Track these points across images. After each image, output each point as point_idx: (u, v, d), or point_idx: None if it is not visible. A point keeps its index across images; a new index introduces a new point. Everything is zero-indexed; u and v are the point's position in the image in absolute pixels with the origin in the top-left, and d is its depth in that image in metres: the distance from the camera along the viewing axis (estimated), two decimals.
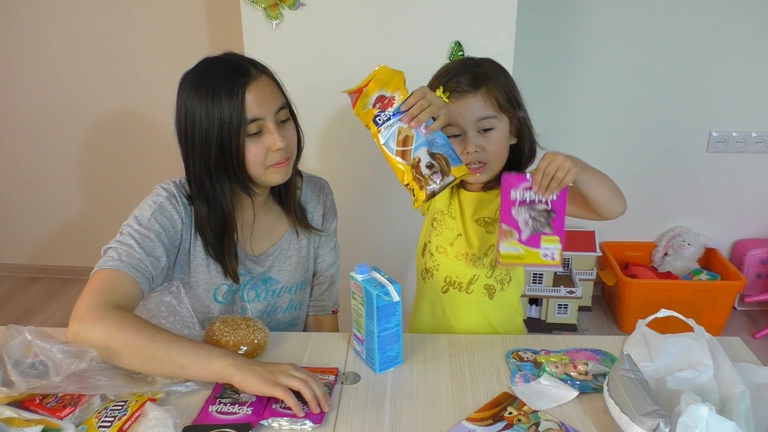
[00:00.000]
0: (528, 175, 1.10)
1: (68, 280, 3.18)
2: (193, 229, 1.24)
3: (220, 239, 1.24)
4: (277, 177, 1.23)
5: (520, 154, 1.32)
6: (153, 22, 2.70)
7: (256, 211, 1.32)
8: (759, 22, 2.47)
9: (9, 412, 0.93)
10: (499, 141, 1.25)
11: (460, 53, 1.96)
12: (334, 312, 1.51)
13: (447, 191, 1.32)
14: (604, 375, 1.10)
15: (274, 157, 1.19)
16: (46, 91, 2.88)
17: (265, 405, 1.01)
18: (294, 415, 0.97)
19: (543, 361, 1.15)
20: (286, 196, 1.34)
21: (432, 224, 1.38)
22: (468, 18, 1.92)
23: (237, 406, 1.00)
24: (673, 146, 2.70)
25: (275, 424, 0.97)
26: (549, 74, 2.59)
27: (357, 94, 1.09)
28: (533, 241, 1.07)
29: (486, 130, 1.23)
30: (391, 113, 1.07)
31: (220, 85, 1.13)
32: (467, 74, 1.22)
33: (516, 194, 1.11)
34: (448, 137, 1.20)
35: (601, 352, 1.18)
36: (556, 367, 1.13)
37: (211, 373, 1.01)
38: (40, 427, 0.88)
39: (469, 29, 1.93)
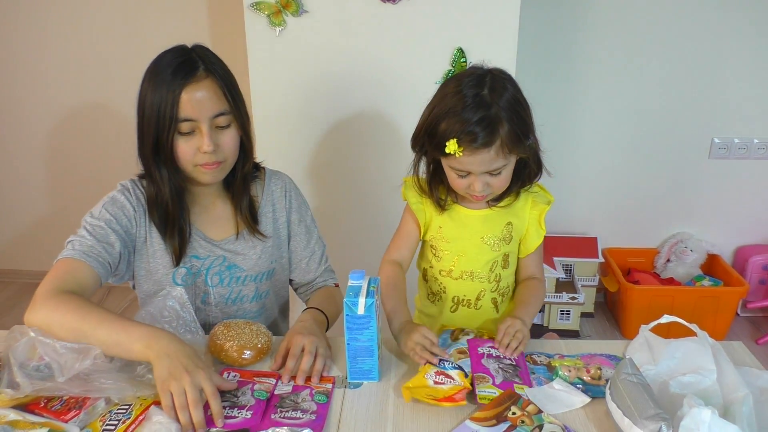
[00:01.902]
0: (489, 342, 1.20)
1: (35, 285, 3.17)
2: (147, 217, 1.28)
3: (164, 220, 1.27)
4: (205, 177, 1.24)
5: (524, 168, 1.28)
6: (156, 28, 2.69)
7: (213, 198, 1.35)
8: (761, 29, 2.48)
9: (14, 415, 0.93)
10: (506, 178, 1.23)
11: (463, 60, 1.97)
12: (336, 286, 1.51)
13: (435, 215, 1.33)
14: None
15: (203, 158, 1.21)
16: (20, 90, 2.87)
17: (264, 409, 1.01)
18: (295, 425, 0.97)
19: (557, 365, 1.15)
20: (233, 198, 1.36)
21: (431, 251, 1.37)
22: (470, 24, 1.93)
23: (236, 409, 1.01)
24: (676, 152, 2.70)
25: None
26: (551, 80, 2.60)
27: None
28: (506, 386, 1.09)
29: (494, 174, 1.20)
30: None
31: (164, 77, 1.16)
32: (481, 125, 1.12)
33: (483, 350, 1.18)
34: (454, 170, 1.21)
35: (616, 357, 1.18)
36: (569, 371, 1.13)
37: (132, 355, 1.02)
38: (45, 430, 0.89)
39: (471, 35, 1.94)
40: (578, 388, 1.08)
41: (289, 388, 1.08)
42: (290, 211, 1.43)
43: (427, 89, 2.00)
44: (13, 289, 3.18)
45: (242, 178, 1.34)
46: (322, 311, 1.32)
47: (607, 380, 1.09)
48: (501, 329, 1.18)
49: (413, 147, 1.28)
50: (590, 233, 2.85)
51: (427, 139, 1.20)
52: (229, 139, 1.24)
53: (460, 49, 1.95)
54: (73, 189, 3.05)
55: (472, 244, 1.32)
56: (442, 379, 1.05)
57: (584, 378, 1.12)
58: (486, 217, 1.32)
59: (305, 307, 1.37)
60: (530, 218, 1.33)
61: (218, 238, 1.36)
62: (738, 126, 2.64)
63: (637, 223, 2.86)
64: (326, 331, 1.31)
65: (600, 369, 1.13)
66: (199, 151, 1.20)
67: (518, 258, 1.37)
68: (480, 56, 1.93)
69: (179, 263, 1.30)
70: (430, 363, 1.10)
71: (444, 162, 1.23)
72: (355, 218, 2.21)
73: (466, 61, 1.96)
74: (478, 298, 1.36)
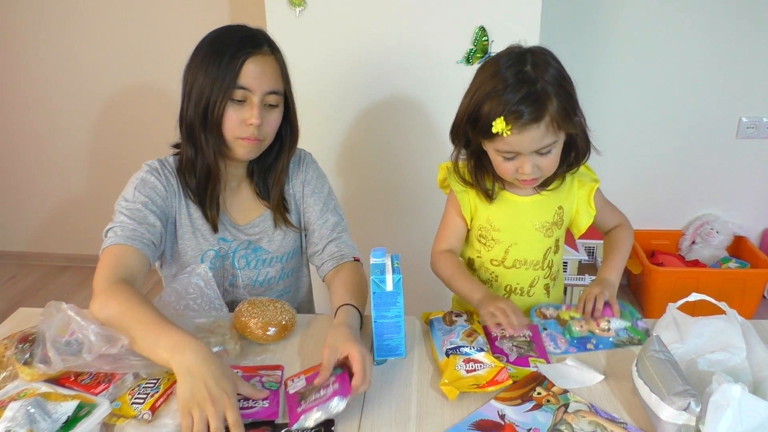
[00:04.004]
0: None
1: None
2: (178, 197, 1.28)
3: (204, 186, 1.27)
4: (241, 150, 1.24)
5: (572, 146, 1.24)
6: (175, 9, 2.71)
7: (239, 181, 1.36)
8: None
9: (46, 388, 0.95)
10: (555, 158, 1.19)
11: (485, 39, 1.94)
12: (356, 259, 1.39)
13: (482, 205, 1.29)
14: (625, 329, 1.19)
15: (245, 131, 1.21)
16: (64, 74, 2.92)
17: (280, 399, 0.99)
18: (321, 401, 0.95)
19: (567, 318, 1.18)
20: (270, 186, 1.36)
21: (479, 240, 1.33)
22: (492, 3, 1.90)
23: (251, 401, 0.98)
24: (702, 132, 2.65)
25: (309, 421, 0.94)
26: (576, 59, 2.55)
27: None
28: (522, 362, 1.10)
29: (544, 153, 1.16)
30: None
31: (229, 46, 1.18)
32: (528, 101, 1.08)
33: (496, 333, 1.16)
34: (502, 154, 1.17)
35: (621, 304, 1.23)
36: (581, 326, 1.17)
37: (157, 360, 0.98)
38: (76, 402, 0.90)
39: (493, 14, 1.91)
40: (590, 344, 1.15)
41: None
42: (305, 184, 1.41)
43: (449, 69, 2.01)
44: (41, 272, 3.25)
45: (284, 166, 1.35)
46: (355, 307, 1.20)
47: (615, 331, 1.18)
48: (581, 301, 1.22)
49: (453, 139, 1.24)
50: None
51: (470, 126, 1.16)
52: (274, 120, 1.25)
53: (482, 27, 1.93)
54: (105, 173, 3.11)
55: (525, 232, 1.29)
56: (472, 366, 1.04)
57: (596, 331, 1.16)
58: (536, 202, 1.29)
59: (340, 304, 1.21)
60: (579, 199, 1.31)
61: (243, 222, 1.36)
62: (767, 105, 2.58)
63: (662, 204, 2.82)
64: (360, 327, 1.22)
65: (609, 321, 1.18)
66: (245, 123, 1.20)
67: (578, 232, 1.37)
68: (502, 35, 1.92)
69: (216, 229, 1.31)
70: (497, 331, 1.13)
71: (490, 147, 1.18)
72: (373, 202, 2.21)
73: (487, 40, 1.94)
74: (531, 285, 1.34)
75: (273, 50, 1.23)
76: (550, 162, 1.18)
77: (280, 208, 1.37)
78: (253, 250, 1.37)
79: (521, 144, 1.12)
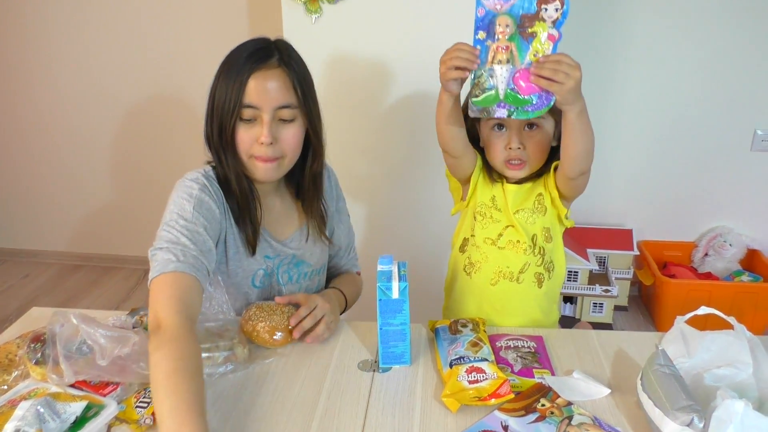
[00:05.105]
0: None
1: (110, 269, 3.27)
2: (227, 218, 1.23)
3: (240, 206, 1.23)
4: (258, 172, 1.20)
5: (556, 153, 1.29)
6: (195, 15, 2.75)
7: (273, 196, 1.33)
8: None
9: (56, 388, 0.97)
10: (541, 142, 1.26)
11: None
12: (358, 273, 1.54)
13: (490, 185, 1.33)
14: None
15: (259, 150, 1.17)
16: (85, 79, 2.96)
17: None
18: None
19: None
20: (305, 198, 1.34)
21: (474, 218, 1.36)
22: None
23: None
24: (716, 143, 2.64)
25: None
26: (590, 67, 2.52)
27: None
28: (526, 372, 1.10)
29: (531, 126, 1.24)
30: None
31: (238, 62, 1.15)
32: None
33: (501, 343, 1.18)
34: (492, 128, 1.25)
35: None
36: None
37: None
38: (85, 403, 0.91)
39: None
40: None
41: None
42: (337, 201, 1.44)
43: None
44: (55, 270, 3.28)
45: (312, 180, 1.31)
46: (343, 294, 1.36)
47: None
48: (552, 57, 1.06)
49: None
50: (625, 225, 2.80)
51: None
52: (291, 135, 1.20)
53: None
54: (121, 173, 3.15)
55: (513, 217, 1.32)
56: (475, 377, 1.04)
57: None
58: (518, 192, 1.32)
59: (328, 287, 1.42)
60: (549, 177, 1.31)
61: (283, 237, 1.33)
62: None
63: (674, 215, 2.81)
64: (341, 313, 1.34)
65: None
66: (257, 142, 1.16)
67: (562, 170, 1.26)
68: None
69: (255, 250, 1.26)
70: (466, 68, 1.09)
71: (484, 124, 1.27)
72: (390, 206, 2.21)
73: None
74: (521, 271, 1.34)
75: (282, 62, 1.18)
76: (535, 145, 1.25)
77: (318, 223, 1.35)
78: (296, 265, 1.35)
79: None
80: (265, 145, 1.16)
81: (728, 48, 2.48)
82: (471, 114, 1.13)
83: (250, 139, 1.17)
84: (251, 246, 1.25)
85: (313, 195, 1.33)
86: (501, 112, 1.10)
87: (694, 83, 2.56)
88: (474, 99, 1.10)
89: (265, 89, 1.15)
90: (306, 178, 1.31)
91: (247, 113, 1.15)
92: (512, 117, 1.10)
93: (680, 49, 2.51)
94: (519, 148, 1.24)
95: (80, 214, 3.27)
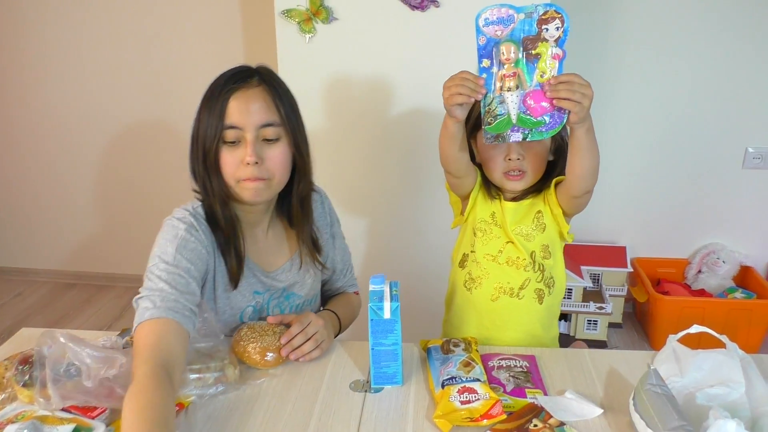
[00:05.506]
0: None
1: (103, 287, 3.25)
2: (214, 256, 1.20)
3: (226, 238, 1.20)
4: (246, 194, 1.17)
5: (555, 169, 1.32)
6: (191, 36, 2.77)
7: (263, 226, 1.30)
8: None
9: (43, 411, 0.96)
10: (540, 153, 1.28)
11: None
12: (356, 293, 1.52)
13: (489, 201, 1.34)
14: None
15: (245, 172, 1.14)
16: (80, 98, 2.97)
17: None
18: None
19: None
20: (293, 225, 1.31)
21: (474, 233, 1.36)
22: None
23: None
24: (708, 161, 2.65)
25: None
26: None
27: None
28: (518, 392, 1.09)
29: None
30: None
31: (217, 88, 1.14)
32: None
33: (493, 363, 1.17)
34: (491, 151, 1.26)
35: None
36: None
37: None
38: (73, 426, 0.91)
39: None
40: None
41: None
42: (332, 227, 1.42)
43: None
44: (48, 289, 3.27)
45: (299, 202, 1.27)
46: (337, 316, 1.35)
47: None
48: (565, 77, 1.08)
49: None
50: (619, 242, 2.81)
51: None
52: (277, 154, 1.17)
53: None
54: (132, 198, 3.14)
55: (512, 235, 1.32)
56: (467, 397, 1.03)
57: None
58: (517, 210, 1.33)
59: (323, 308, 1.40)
60: (551, 194, 1.31)
61: (273, 268, 1.31)
62: None
63: (668, 232, 2.81)
64: (335, 336, 1.31)
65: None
66: (242, 164, 1.13)
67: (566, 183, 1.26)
68: None
69: (237, 285, 1.23)
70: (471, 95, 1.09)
71: (480, 139, 1.26)
72: (381, 220, 2.21)
73: None
74: (521, 287, 1.33)
75: (263, 81, 1.16)
76: (534, 155, 1.26)
77: (310, 249, 1.32)
78: (286, 297, 1.33)
79: None
80: (251, 165, 1.13)
81: (720, 66, 2.51)
82: (486, 141, 1.14)
83: (235, 162, 1.14)
84: (234, 279, 1.22)
85: (303, 219, 1.30)
86: (516, 136, 1.11)
87: (686, 102, 2.58)
88: (487, 126, 1.11)
89: (246, 108, 1.13)
90: (293, 202, 1.28)
91: (229, 135, 1.13)
92: (528, 140, 1.11)
93: (672, 67, 2.53)
94: (518, 158, 1.26)
95: (73, 232, 3.26)
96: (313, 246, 1.33)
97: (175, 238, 1.13)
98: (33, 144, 3.11)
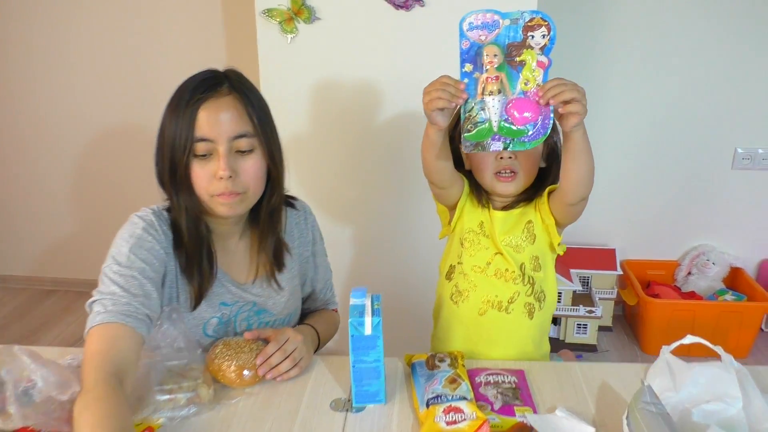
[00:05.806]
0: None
1: (83, 293, 3.17)
2: (174, 258, 1.15)
3: (184, 254, 1.15)
4: (220, 209, 1.11)
5: (547, 176, 1.29)
6: (171, 35, 2.70)
7: (237, 237, 1.24)
8: None
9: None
10: (532, 154, 1.23)
11: None
12: (334, 310, 1.48)
13: (478, 210, 1.29)
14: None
15: (218, 187, 1.08)
16: (57, 100, 2.90)
17: None
18: None
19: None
20: (258, 236, 1.24)
21: (462, 244, 1.31)
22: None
23: None
24: (697, 162, 2.63)
25: None
26: None
27: None
28: (507, 410, 1.04)
29: None
30: None
31: (184, 95, 1.07)
32: None
33: (480, 379, 1.13)
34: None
35: None
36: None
37: None
38: None
39: None
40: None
41: None
42: (314, 244, 1.36)
43: None
44: (27, 296, 3.19)
45: (268, 214, 1.21)
46: (317, 331, 1.30)
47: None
48: (559, 80, 1.03)
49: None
50: (608, 245, 2.78)
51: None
52: (251, 166, 1.11)
53: None
54: (100, 206, 3.07)
55: (501, 246, 1.27)
56: (453, 417, 0.98)
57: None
58: (506, 219, 1.28)
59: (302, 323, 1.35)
60: (543, 203, 1.27)
61: (244, 280, 1.24)
62: (762, 136, 2.56)
63: (657, 234, 2.79)
64: (314, 351, 1.25)
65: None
66: (215, 178, 1.07)
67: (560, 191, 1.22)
68: None
69: (196, 306, 1.17)
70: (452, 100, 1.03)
71: None
72: (367, 227, 2.16)
73: None
74: (510, 301, 1.28)
75: (233, 89, 1.10)
76: (526, 156, 1.22)
77: (270, 261, 1.24)
78: (256, 313, 1.26)
79: None
80: (224, 179, 1.07)
81: (708, 67, 2.48)
82: (465, 150, 1.07)
83: (208, 176, 1.08)
84: (195, 302, 1.16)
85: (268, 230, 1.23)
86: (496, 146, 1.05)
87: (675, 103, 2.55)
88: (466, 134, 1.05)
89: (217, 120, 1.07)
90: (262, 213, 1.21)
91: (200, 148, 1.07)
92: (508, 149, 1.06)
93: (660, 69, 2.51)
94: (510, 157, 1.21)
95: (52, 237, 3.18)
96: (274, 261, 1.25)
97: (131, 236, 1.10)
98: (9, 145, 3.02)
